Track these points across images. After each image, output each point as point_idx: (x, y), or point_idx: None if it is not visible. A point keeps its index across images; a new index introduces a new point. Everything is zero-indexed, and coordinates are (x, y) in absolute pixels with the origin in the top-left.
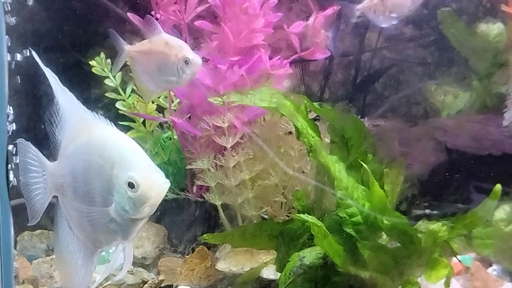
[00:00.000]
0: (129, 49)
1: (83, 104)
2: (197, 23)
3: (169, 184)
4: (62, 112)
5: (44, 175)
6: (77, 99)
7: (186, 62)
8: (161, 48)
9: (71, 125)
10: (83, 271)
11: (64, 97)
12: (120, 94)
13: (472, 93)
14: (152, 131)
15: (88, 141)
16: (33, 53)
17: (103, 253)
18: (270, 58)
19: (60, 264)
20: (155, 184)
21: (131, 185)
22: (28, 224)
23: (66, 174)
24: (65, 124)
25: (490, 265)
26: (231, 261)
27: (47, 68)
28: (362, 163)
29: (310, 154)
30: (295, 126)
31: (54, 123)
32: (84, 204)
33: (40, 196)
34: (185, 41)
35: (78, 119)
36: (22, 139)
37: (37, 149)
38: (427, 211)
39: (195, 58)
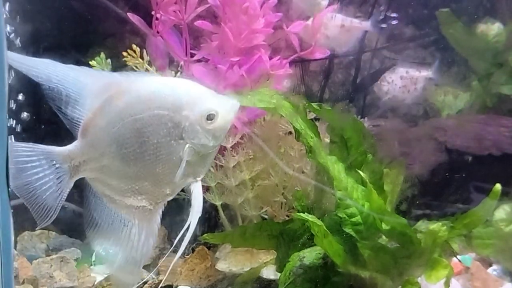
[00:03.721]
0: None
1: None
2: (197, 23)
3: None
4: (74, 90)
5: (54, 164)
6: None
7: None
8: None
9: (93, 96)
10: (142, 236)
11: (76, 73)
12: None
13: (472, 93)
14: None
15: (132, 101)
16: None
17: (103, 253)
18: (270, 58)
19: (112, 243)
20: (230, 106)
21: (210, 117)
22: (39, 227)
23: (105, 147)
24: (82, 100)
25: (490, 265)
26: (231, 261)
27: (42, 59)
28: (360, 172)
29: (310, 154)
30: (294, 127)
31: (62, 108)
32: (142, 166)
33: (51, 190)
34: (185, 41)
35: (103, 87)
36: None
37: (32, 143)
38: (427, 211)
39: None
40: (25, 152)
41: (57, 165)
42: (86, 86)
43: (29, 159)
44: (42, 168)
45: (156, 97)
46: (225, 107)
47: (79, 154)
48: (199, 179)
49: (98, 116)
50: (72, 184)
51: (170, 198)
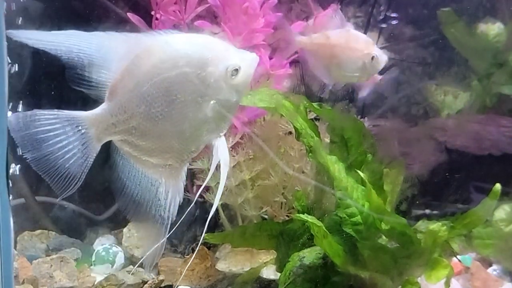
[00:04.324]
0: (301, 39)
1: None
2: (197, 23)
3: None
4: (99, 55)
5: (79, 130)
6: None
7: (373, 58)
8: (346, 42)
9: (119, 59)
10: (169, 195)
11: (99, 39)
12: None
13: (472, 93)
14: None
15: (160, 60)
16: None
17: (103, 253)
18: (270, 58)
19: (140, 205)
20: (251, 61)
21: (234, 72)
22: (61, 198)
23: (134, 107)
24: (107, 64)
25: (490, 265)
26: (231, 261)
27: (61, 32)
28: (359, 172)
29: (310, 154)
30: (294, 126)
31: (85, 75)
32: (170, 125)
33: (75, 157)
34: None
35: (129, 48)
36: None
37: (56, 109)
38: (427, 211)
39: (382, 55)
40: (48, 120)
41: (82, 131)
42: (110, 50)
43: (52, 127)
44: (66, 135)
45: (183, 55)
46: (247, 62)
47: (108, 117)
48: (222, 134)
49: (126, 78)
50: (99, 148)
51: (194, 155)
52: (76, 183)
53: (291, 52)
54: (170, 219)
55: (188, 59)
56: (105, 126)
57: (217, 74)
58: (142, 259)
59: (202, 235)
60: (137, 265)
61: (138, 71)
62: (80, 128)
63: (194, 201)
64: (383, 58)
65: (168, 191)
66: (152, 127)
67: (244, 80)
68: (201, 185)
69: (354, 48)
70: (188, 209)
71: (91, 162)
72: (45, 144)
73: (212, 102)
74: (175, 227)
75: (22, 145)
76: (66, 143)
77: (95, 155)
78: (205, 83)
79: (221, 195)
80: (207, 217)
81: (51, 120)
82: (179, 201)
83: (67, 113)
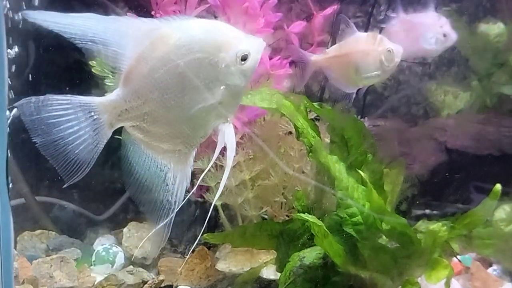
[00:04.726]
0: (315, 59)
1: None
2: None
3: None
4: (114, 40)
5: (91, 116)
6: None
7: (389, 51)
8: (359, 47)
9: (135, 44)
10: (177, 180)
11: (115, 24)
12: None
13: (472, 93)
14: None
15: (174, 46)
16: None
17: (103, 253)
18: (270, 58)
19: (148, 189)
20: (258, 46)
21: (244, 58)
22: (68, 184)
23: (147, 93)
24: (122, 50)
25: (490, 265)
26: (231, 261)
27: (79, 14)
28: (360, 172)
29: (310, 154)
30: (295, 126)
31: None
32: (182, 110)
33: (86, 143)
34: None
35: (144, 33)
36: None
37: (70, 94)
38: (427, 211)
39: (396, 46)
40: (61, 105)
41: (95, 116)
42: (126, 35)
43: (64, 113)
44: (78, 121)
45: (196, 41)
46: (255, 47)
47: (122, 103)
48: (229, 119)
49: (140, 63)
50: (110, 135)
51: (203, 140)
52: (84, 169)
53: (310, 74)
54: (177, 204)
55: (202, 45)
56: (119, 112)
57: (228, 59)
58: (148, 237)
59: (200, 234)
60: (141, 244)
61: (152, 57)
62: (92, 114)
63: (192, 191)
64: (398, 48)
65: (176, 176)
66: (165, 113)
67: (252, 65)
68: (201, 185)
69: (367, 50)
70: (182, 203)
71: (101, 149)
72: (55, 129)
73: (222, 87)
74: (168, 225)
75: (32, 129)
76: (77, 128)
77: (105, 141)
78: (216, 68)
79: (221, 195)
80: (207, 215)
81: (64, 105)
82: (186, 187)
83: (80, 98)
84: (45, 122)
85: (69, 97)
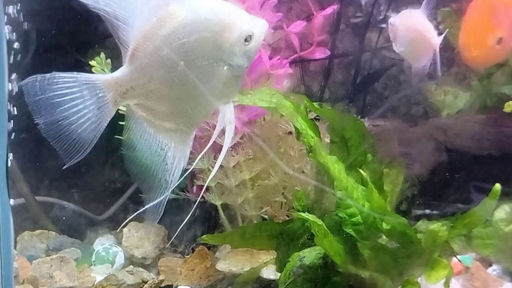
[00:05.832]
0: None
1: None
2: None
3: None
4: (124, 13)
5: (96, 94)
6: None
7: None
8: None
9: (142, 20)
10: (176, 159)
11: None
12: None
13: (472, 93)
14: None
15: (180, 25)
16: None
17: (103, 253)
18: (270, 58)
19: (148, 168)
20: (261, 26)
21: (248, 38)
22: (68, 164)
23: (153, 71)
24: (130, 26)
25: (490, 265)
26: (231, 261)
27: None
28: (360, 170)
29: (310, 154)
30: (294, 126)
31: (114, 31)
32: (186, 89)
33: (89, 122)
34: None
35: (151, 9)
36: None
37: (76, 72)
38: (427, 211)
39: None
40: (66, 83)
41: (100, 94)
42: (135, 9)
43: (69, 91)
44: (83, 99)
45: (202, 20)
46: (258, 28)
47: (128, 80)
48: (231, 100)
49: (147, 41)
50: (113, 113)
51: (204, 120)
52: (86, 149)
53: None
54: (172, 184)
55: (207, 24)
56: (124, 90)
57: (232, 39)
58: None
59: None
60: (140, 212)
61: (159, 34)
62: (98, 91)
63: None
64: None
65: (175, 156)
66: (169, 91)
67: (255, 46)
68: (201, 185)
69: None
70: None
71: (104, 128)
72: (59, 108)
73: (225, 67)
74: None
75: (35, 110)
76: (81, 107)
77: (109, 119)
78: (221, 48)
79: (221, 195)
80: (207, 217)
81: (69, 83)
82: (183, 167)
83: (86, 75)
84: (49, 102)
85: (75, 74)
